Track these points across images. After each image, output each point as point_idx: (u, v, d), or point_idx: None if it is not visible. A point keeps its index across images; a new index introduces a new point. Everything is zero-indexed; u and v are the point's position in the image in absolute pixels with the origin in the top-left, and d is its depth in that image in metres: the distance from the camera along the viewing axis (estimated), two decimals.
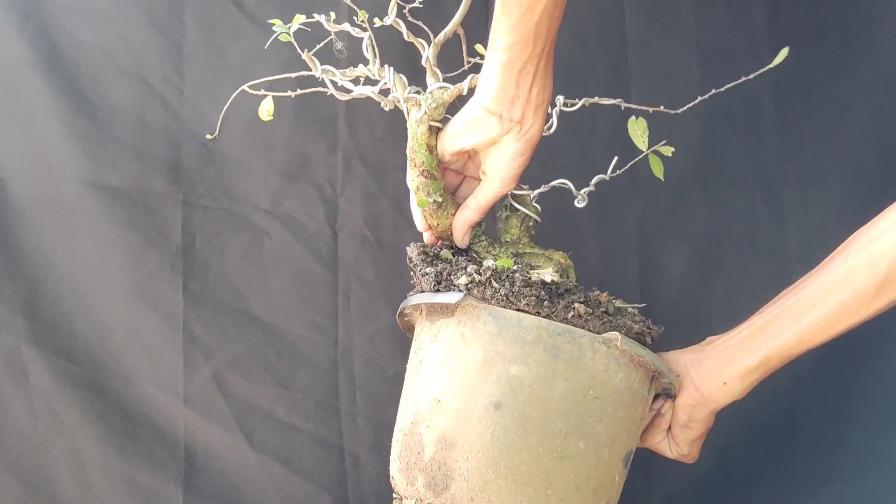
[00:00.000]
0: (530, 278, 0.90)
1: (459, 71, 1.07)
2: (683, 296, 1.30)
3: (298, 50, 0.99)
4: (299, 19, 1.01)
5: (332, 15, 1.02)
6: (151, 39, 1.22)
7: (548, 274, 0.94)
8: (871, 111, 1.28)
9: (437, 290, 0.92)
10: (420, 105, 0.93)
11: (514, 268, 0.92)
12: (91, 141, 1.20)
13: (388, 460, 1.22)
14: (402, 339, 1.24)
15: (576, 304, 0.90)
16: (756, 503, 1.26)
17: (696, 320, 1.30)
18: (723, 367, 0.93)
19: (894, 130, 1.27)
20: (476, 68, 1.01)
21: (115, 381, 1.20)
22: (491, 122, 0.88)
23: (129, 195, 1.20)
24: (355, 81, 1.01)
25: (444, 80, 0.96)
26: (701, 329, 1.28)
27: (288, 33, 1.01)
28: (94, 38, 1.20)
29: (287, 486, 1.22)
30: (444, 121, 0.96)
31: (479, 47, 1.05)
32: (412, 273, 0.97)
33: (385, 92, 0.98)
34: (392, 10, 0.97)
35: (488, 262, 0.93)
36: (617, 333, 0.89)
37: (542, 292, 0.89)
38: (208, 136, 1.21)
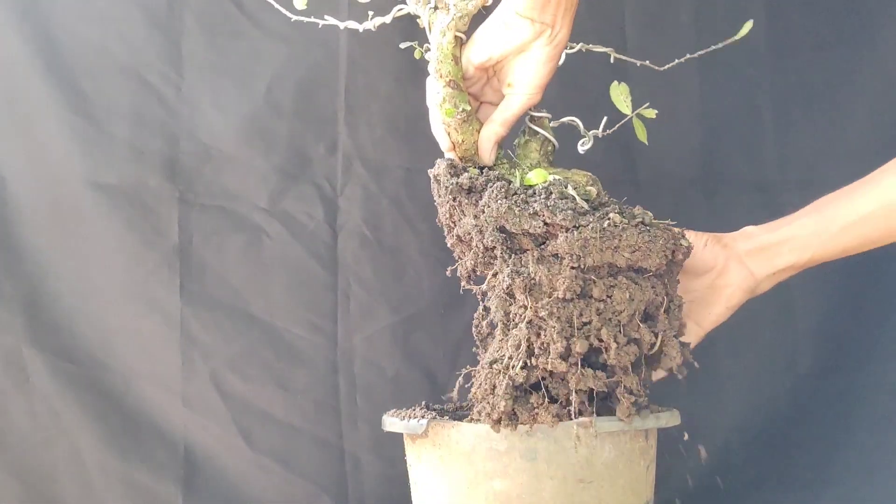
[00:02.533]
0: (566, 190, 0.89)
1: None
2: None
3: None
4: None
5: None
6: (150, 38, 1.21)
7: (581, 186, 0.92)
8: (871, 116, 1.29)
9: (406, 417, 0.93)
10: (448, 9, 0.90)
11: (550, 180, 0.90)
12: (89, 139, 1.20)
13: (388, 461, 1.23)
14: (402, 339, 1.25)
15: (611, 214, 0.88)
16: None
17: None
18: (773, 260, 0.99)
19: (894, 135, 1.28)
20: None
21: (114, 381, 1.20)
22: (523, 27, 0.87)
23: (126, 194, 1.20)
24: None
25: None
26: None
27: None
28: (92, 37, 1.20)
29: (286, 487, 1.22)
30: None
31: None
32: (436, 193, 0.93)
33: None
34: None
35: (529, 175, 0.92)
36: (589, 418, 0.86)
37: (578, 205, 0.88)
38: None
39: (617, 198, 1.28)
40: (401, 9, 0.94)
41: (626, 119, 0.95)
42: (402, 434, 0.94)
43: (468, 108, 0.91)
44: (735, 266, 0.99)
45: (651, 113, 0.96)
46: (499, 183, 0.89)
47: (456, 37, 0.91)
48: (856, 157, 1.30)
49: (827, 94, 1.31)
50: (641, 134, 0.96)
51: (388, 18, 0.94)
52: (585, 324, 0.87)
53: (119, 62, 1.21)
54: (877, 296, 1.24)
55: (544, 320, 0.87)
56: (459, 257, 0.94)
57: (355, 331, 1.24)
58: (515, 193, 0.89)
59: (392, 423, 0.94)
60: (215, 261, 1.23)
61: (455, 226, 0.93)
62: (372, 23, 0.95)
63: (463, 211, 0.91)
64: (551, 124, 0.97)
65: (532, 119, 0.96)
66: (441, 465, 0.89)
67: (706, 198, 1.31)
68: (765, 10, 1.30)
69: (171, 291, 1.21)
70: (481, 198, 0.90)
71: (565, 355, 0.87)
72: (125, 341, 1.20)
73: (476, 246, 0.90)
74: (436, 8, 0.91)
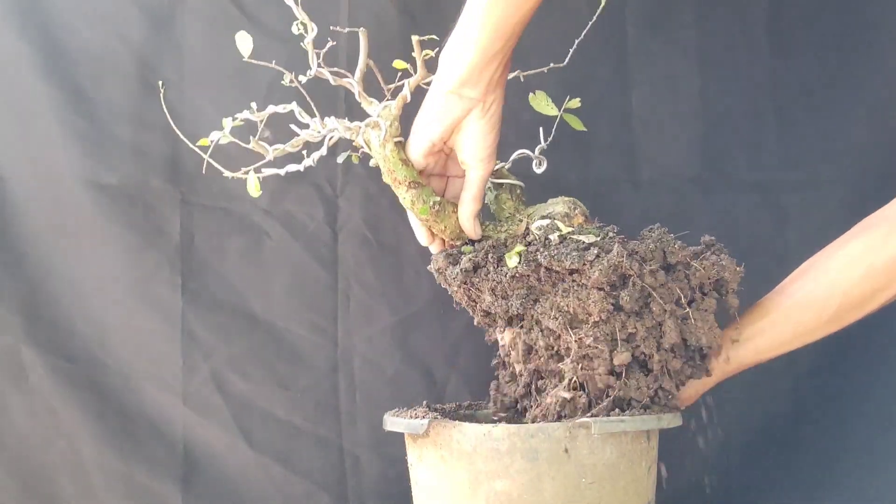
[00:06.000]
0: (562, 234, 0.92)
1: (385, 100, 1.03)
2: None
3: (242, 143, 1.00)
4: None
5: (254, 105, 1.01)
6: (151, 38, 1.21)
7: (570, 218, 0.95)
8: (872, 117, 1.28)
9: (411, 416, 0.94)
10: (378, 126, 0.94)
11: (540, 225, 0.93)
12: (90, 140, 1.20)
13: (387, 460, 1.23)
14: (401, 339, 1.25)
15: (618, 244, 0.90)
16: None
17: None
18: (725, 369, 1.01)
19: (895, 136, 1.27)
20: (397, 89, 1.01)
21: (114, 380, 1.20)
22: (451, 101, 0.90)
23: (127, 194, 1.20)
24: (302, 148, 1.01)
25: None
26: None
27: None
28: (93, 37, 1.20)
29: (286, 486, 1.22)
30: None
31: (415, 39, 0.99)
32: (444, 283, 0.97)
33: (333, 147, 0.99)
34: (312, 62, 0.98)
35: (512, 260, 0.94)
36: (590, 419, 0.87)
37: (579, 243, 0.91)
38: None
39: (618, 196, 1.29)
40: (332, 137, 0.97)
41: (557, 119, 0.98)
42: (402, 433, 0.95)
43: (437, 198, 0.95)
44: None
45: (575, 103, 0.98)
46: (495, 258, 0.94)
47: (396, 143, 0.95)
48: (857, 156, 1.30)
49: (828, 93, 1.30)
50: (576, 124, 0.99)
51: (323, 151, 0.97)
52: (631, 335, 0.91)
53: (120, 62, 1.21)
54: None
55: (590, 346, 0.91)
56: (489, 326, 1.00)
57: (355, 331, 1.24)
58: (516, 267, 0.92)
59: (393, 422, 0.95)
60: (216, 261, 1.23)
61: (477, 303, 0.97)
62: (312, 159, 0.98)
63: (479, 289, 0.95)
64: (506, 164, 1.01)
65: (492, 175, 0.99)
66: (442, 465, 0.90)
67: (706, 197, 1.30)
68: (766, 10, 1.30)
69: (173, 291, 1.22)
70: (489, 271, 0.93)
71: (612, 370, 0.91)
72: (126, 341, 1.20)
73: (504, 313, 0.95)
74: (365, 128, 0.95)
